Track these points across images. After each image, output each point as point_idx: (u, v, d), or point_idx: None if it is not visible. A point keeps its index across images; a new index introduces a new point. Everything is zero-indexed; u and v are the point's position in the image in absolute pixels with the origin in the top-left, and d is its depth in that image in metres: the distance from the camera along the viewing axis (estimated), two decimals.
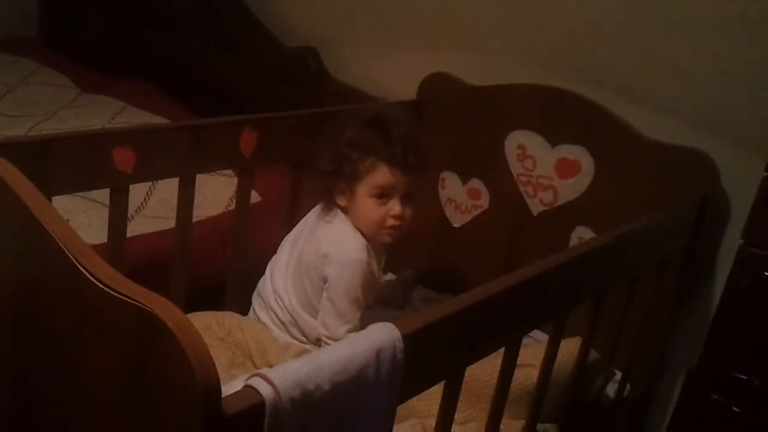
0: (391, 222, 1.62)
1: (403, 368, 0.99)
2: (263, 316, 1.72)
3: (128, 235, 1.83)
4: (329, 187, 1.65)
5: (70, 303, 0.90)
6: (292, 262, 1.70)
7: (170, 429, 0.79)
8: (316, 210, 1.74)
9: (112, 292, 0.80)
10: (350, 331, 1.61)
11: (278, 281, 1.71)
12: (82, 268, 0.84)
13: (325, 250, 1.62)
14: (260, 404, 0.82)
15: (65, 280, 0.88)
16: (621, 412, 1.85)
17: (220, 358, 1.59)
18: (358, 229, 1.64)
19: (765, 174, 1.35)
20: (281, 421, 0.84)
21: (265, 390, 0.83)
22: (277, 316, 1.69)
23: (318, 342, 1.66)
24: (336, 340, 1.61)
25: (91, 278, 0.83)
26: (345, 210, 1.65)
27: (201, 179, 2.07)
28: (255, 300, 1.76)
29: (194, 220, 1.91)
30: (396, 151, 1.58)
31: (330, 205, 1.67)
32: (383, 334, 0.98)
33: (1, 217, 1.01)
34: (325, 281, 1.62)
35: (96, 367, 0.88)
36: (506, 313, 1.22)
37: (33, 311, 0.99)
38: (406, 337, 0.99)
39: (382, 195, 1.61)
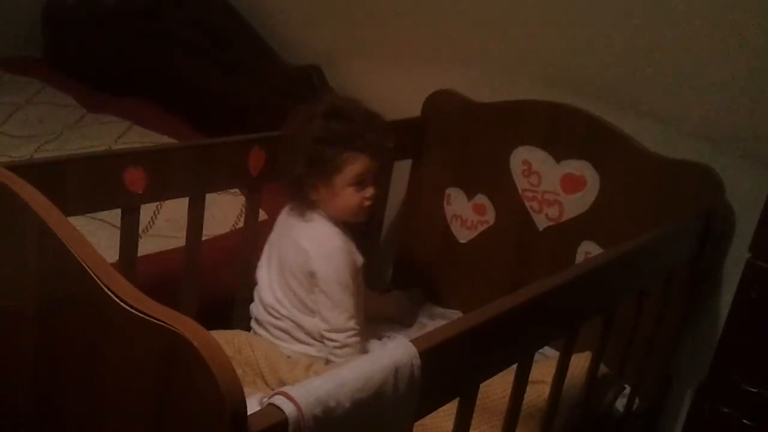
0: (366, 203, 1.70)
1: (420, 385, 1.00)
2: (265, 335, 1.73)
3: (137, 254, 1.84)
4: (301, 188, 1.67)
5: (94, 323, 0.91)
6: (274, 272, 1.73)
7: None
8: (282, 217, 1.77)
9: (138, 313, 0.82)
10: (350, 319, 1.65)
11: (266, 296, 1.74)
12: (106, 289, 0.85)
13: (304, 248, 1.66)
14: (284, 422, 0.83)
15: (89, 300, 0.89)
16: (631, 426, 1.86)
17: None
18: (333, 218, 1.69)
19: None
20: None
21: (288, 408, 0.84)
22: (278, 329, 1.71)
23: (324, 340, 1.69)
24: (338, 331, 1.65)
25: (116, 299, 0.84)
26: (317, 203, 1.69)
27: (208, 198, 2.08)
28: (253, 324, 1.79)
29: (204, 238, 1.92)
30: (370, 139, 1.65)
31: (301, 204, 1.70)
32: (401, 351, 0.99)
33: (23, 237, 1.02)
34: (312, 276, 1.65)
35: (121, 387, 0.89)
36: (519, 329, 1.23)
37: (55, 331, 1.00)
38: (422, 354, 1.01)
39: (360, 181, 1.67)
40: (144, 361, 0.84)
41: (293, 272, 1.67)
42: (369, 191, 1.69)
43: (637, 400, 1.84)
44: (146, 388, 0.85)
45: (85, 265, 0.88)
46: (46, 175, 1.39)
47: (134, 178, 1.54)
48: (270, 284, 1.73)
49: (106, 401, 0.92)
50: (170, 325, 0.79)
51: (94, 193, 1.49)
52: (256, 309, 1.77)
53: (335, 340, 1.64)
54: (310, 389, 0.87)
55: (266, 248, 1.79)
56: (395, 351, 0.98)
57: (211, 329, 1.71)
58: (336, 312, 1.64)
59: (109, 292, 0.85)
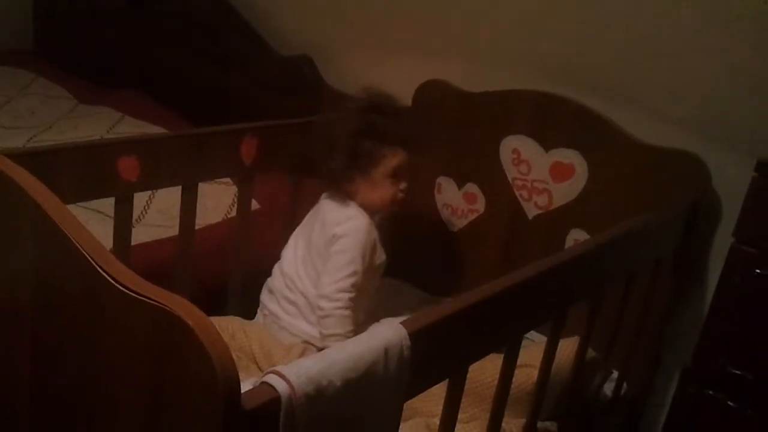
0: (400, 195, 1.75)
1: (409, 365, 1.02)
2: (275, 308, 1.76)
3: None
4: (339, 180, 1.72)
5: (90, 305, 0.92)
6: (301, 246, 1.77)
7: (190, 424, 0.81)
8: (322, 199, 1.80)
9: (134, 294, 0.83)
10: (340, 291, 1.65)
11: (289, 267, 1.77)
12: (102, 272, 0.87)
13: (332, 217, 1.71)
14: (276, 400, 0.85)
15: (85, 283, 0.90)
16: (618, 410, 1.88)
17: None
18: (366, 207, 1.73)
19: (754, 174, 1.38)
20: (296, 416, 0.87)
21: (281, 386, 0.86)
22: (289, 302, 1.74)
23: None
24: (326, 298, 1.65)
25: (112, 281, 0.86)
26: (354, 193, 1.73)
27: (200, 188, 2.10)
28: (264, 296, 1.81)
29: (196, 228, 1.94)
30: (408, 134, 1.72)
31: (338, 192, 1.75)
32: (391, 332, 1.01)
33: (20, 222, 1.03)
34: (331, 240, 1.69)
35: (116, 367, 0.91)
36: (507, 312, 1.25)
37: (52, 314, 1.02)
38: (412, 335, 1.03)
39: (396, 174, 1.72)
40: (140, 342, 0.85)
41: (318, 250, 1.71)
42: (403, 184, 1.75)
43: (625, 385, 1.87)
44: (142, 367, 0.86)
45: (81, 249, 0.90)
46: (40, 163, 1.40)
47: (128, 166, 1.55)
48: (294, 258, 1.77)
49: (103, 383, 0.94)
50: (165, 306, 0.81)
51: (88, 181, 1.50)
52: (272, 280, 1.81)
53: (322, 308, 1.66)
54: (302, 368, 0.89)
55: (297, 230, 1.83)
56: (385, 332, 1.01)
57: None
58: (332, 278, 1.65)
59: (106, 275, 0.86)
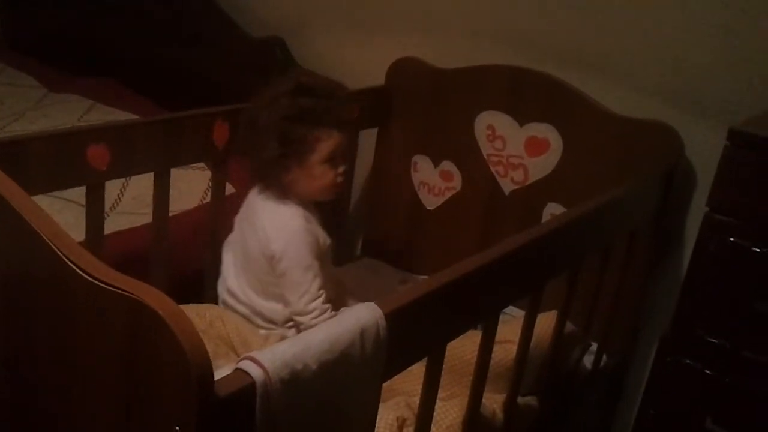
0: (339, 180, 1.67)
1: (386, 346, 1.02)
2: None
3: (105, 232, 1.84)
4: (273, 170, 1.62)
5: (59, 297, 0.91)
6: (239, 254, 1.71)
7: (164, 414, 0.80)
8: (248, 199, 1.72)
9: (102, 285, 0.82)
10: (311, 301, 1.60)
11: (230, 280, 1.72)
12: (69, 263, 0.86)
13: (265, 231, 1.62)
14: (251, 386, 0.84)
15: (52, 274, 0.89)
16: (599, 382, 1.90)
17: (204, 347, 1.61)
18: (303, 198, 1.65)
19: (726, 143, 1.39)
20: (272, 400, 0.86)
21: (255, 372, 0.85)
22: (238, 313, 1.70)
23: (286, 323, 1.67)
24: (302, 314, 1.61)
25: (80, 272, 0.84)
26: (289, 184, 1.63)
27: (174, 174, 2.07)
28: (220, 303, 1.77)
29: (170, 214, 1.92)
30: (340, 114, 1.62)
31: (270, 185, 1.65)
32: (366, 313, 1.00)
33: None
34: (272, 260, 1.61)
35: (88, 358, 0.90)
36: (484, 288, 1.25)
37: (22, 306, 1.00)
38: (388, 316, 1.02)
39: (333, 158, 1.63)
40: (111, 332, 0.84)
41: (255, 256, 1.65)
42: (341, 168, 1.66)
43: (604, 357, 1.88)
44: (113, 357, 0.85)
45: (47, 240, 0.88)
46: (7, 154, 1.39)
47: (97, 154, 1.53)
48: (234, 268, 1.72)
49: (77, 374, 0.93)
50: (135, 295, 0.79)
51: (57, 171, 1.48)
52: (221, 289, 1.76)
53: (302, 323, 1.63)
54: (277, 353, 0.88)
55: (235, 227, 1.76)
56: (361, 313, 1.00)
57: (183, 303, 1.74)
58: (297, 295, 1.60)
59: (72, 265, 0.85)
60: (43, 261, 0.90)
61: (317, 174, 1.62)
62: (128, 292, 0.80)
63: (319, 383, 0.92)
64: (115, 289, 0.81)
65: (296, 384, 0.89)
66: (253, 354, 0.87)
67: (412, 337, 1.12)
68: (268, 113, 1.59)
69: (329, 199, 1.70)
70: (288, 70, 2.37)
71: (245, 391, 0.84)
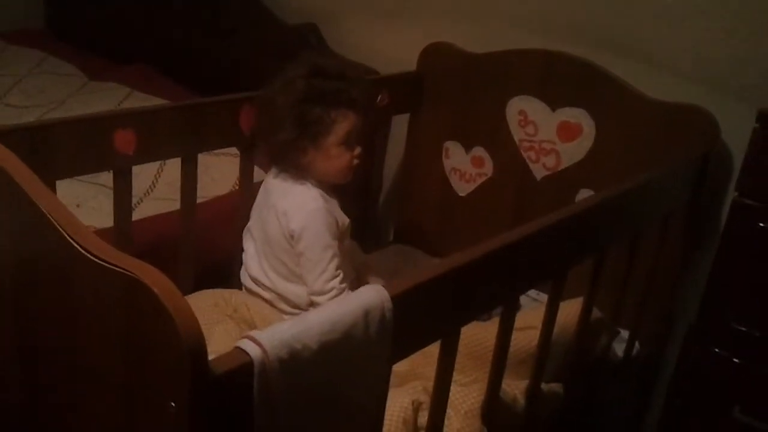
0: (355, 162, 1.67)
1: (392, 328, 1.01)
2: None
3: (138, 217, 1.87)
4: (288, 152, 1.63)
5: (65, 276, 0.93)
6: (260, 240, 1.71)
7: (160, 390, 0.81)
8: (265, 183, 1.74)
9: (101, 262, 0.83)
10: (329, 280, 1.61)
11: (253, 267, 1.73)
12: (73, 242, 0.87)
13: (283, 209, 1.63)
14: (248, 364, 0.85)
15: (59, 254, 0.91)
16: (630, 371, 1.86)
17: (231, 332, 1.63)
18: (320, 180, 1.66)
19: (756, 126, 1.34)
20: (270, 380, 0.86)
21: (253, 350, 0.85)
22: (263, 299, 1.71)
23: (311, 306, 1.67)
24: (320, 293, 1.62)
25: (81, 250, 0.86)
26: (306, 166, 1.64)
27: (207, 160, 2.10)
28: (243, 288, 1.78)
29: (202, 200, 1.94)
30: (355, 95, 1.62)
31: (287, 168, 1.66)
32: (371, 295, 1.00)
33: (1, 201, 1.04)
34: (293, 238, 1.62)
35: (90, 335, 0.92)
36: (500, 272, 1.23)
37: (32, 285, 1.03)
38: (395, 298, 1.01)
39: (349, 140, 1.64)
40: (109, 310, 0.86)
41: (276, 238, 1.65)
42: (357, 150, 1.66)
43: (636, 345, 1.85)
44: (112, 334, 0.87)
45: (54, 222, 0.90)
46: (35, 138, 1.41)
47: (124, 139, 1.55)
48: (255, 253, 1.73)
49: (79, 350, 0.95)
50: (131, 273, 0.80)
51: (84, 155, 1.50)
52: (243, 277, 1.77)
53: (319, 303, 1.62)
54: (276, 332, 0.88)
55: (252, 214, 1.77)
56: (365, 295, 0.99)
57: (212, 288, 1.76)
58: (315, 274, 1.61)
59: (75, 244, 0.86)
60: (51, 241, 0.91)
61: (334, 155, 1.63)
62: (125, 270, 0.81)
63: (319, 364, 0.92)
64: (113, 267, 0.82)
65: (295, 364, 0.89)
66: (253, 333, 0.87)
67: (421, 320, 1.11)
68: (284, 96, 1.60)
69: (345, 181, 1.70)
70: (321, 56, 2.38)
71: (242, 369, 0.84)
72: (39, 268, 0.99)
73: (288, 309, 1.69)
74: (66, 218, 0.91)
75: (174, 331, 0.77)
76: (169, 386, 0.80)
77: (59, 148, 1.46)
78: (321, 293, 1.62)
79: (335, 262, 1.62)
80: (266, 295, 1.71)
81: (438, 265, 1.12)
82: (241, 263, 1.79)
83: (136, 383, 0.86)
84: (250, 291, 1.75)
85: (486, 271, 1.19)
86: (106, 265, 0.83)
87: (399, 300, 1.02)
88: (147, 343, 0.82)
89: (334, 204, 1.68)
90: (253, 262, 1.73)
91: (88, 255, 0.85)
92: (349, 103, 1.62)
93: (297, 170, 1.65)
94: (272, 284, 1.69)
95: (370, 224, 2.31)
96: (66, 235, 0.88)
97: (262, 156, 1.82)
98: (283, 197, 1.65)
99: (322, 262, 1.61)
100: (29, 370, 1.09)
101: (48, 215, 0.92)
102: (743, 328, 1.41)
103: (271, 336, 0.87)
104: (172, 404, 0.80)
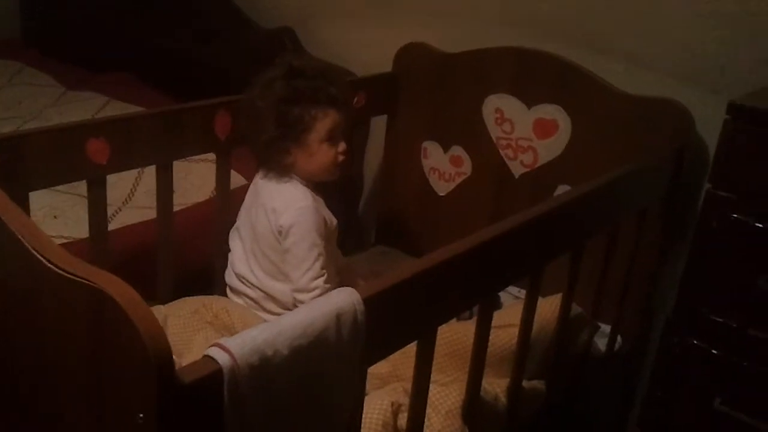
0: (341, 158, 1.68)
1: (365, 330, 1.01)
2: (238, 301, 1.74)
3: (116, 226, 1.86)
4: (272, 153, 1.65)
5: (32, 290, 0.92)
6: (248, 240, 1.72)
7: (128, 402, 0.81)
8: (253, 184, 1.75)
9: (66, 274, 0.83)
10: (314, 279, 1.62)
11: (239, 265, 1.73)
12: (37, 254, 0.86)
13: (273, 206, 1.64)
14: (218, 372, 0.84)
15: (26, 268, 0.90)
16: (613, 365, 1.87)
17: (211, 339, 1.61)
18: (307, 179, 1.67)
19: (726, 117, 1.35)
20: (241, 387, 0.86)
21: (223, 358, 0.85)
22: (249, 298, 1.71)
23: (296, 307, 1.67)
24: (304, 291, 1.63)
25: (46, 263, 0.85)
26: (291, 166, 1.66)
27: (185, 167, 2.09)
28: (228, 293, 1.79)
29: (181, 207, 1.94)
30: (334, 92, 1.64)
31: (272, 169, 1.68)
32: (342, 298, 1.00)
33: None
34: (280, 234, 1.63)
35: (58, 349, 0.91)
36: (474, 270, 1.23)
37: (1, 303, 1.02)
38: (367, 300, 1.01)
39: (332, 137, 1.65)
40: (76, 322, 0.85)
41: (265, 235, 1.66)
42: (342, 146, 1.68)
43: (618, 339, 1.85)
44: (80, 347, 0.86)
45: (18, 236, 0.89)
46: (6, 149, 1.41)
47: (97, 149, 1.54)
48: (243, 252, 1.73)
49: (48, 362, 0.94)
50: (96, 284, 0.80)
51: (57, 166, 1.49)
52: (228, 277, 1.77)
53: (302, 301, 1.63)
54: (246, 339, 0.88)
55: (240, 215, 1.78)
56: (337, 298, 0.99)
57: (191, 295, 1.76)
58: (300, 271, 1.62)
59: (40, 257, 0.86)
60: (17, 256, 0.91)
61: (317, 153, 1.65)
62: (90, 281, 0.81)
63: (291, 368, 0.92)
64: (77, 279, 0.82)
65: (266, 369, 0.88)
66: (221, 340, 0.87)
67: (397, 321, 1.11)
68: (264, 99, 1.62)
69: (332, 178, 1.71)
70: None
71: (211, 377, 0.84)
72: (8, 284, 0.98)
73: (275, 309, 1.70)
74: (30, 231, 0.91)
75: (139, 342, 0.76)
76: (137, 397, 0.79)
77: (32, 159, 1.45)
78: (305, 290, 1.63)
79: (321, 261, 1.63)
80: (252, 293, 1.71)
81: (410, 266, 1.12)
82: (224, 268, 1.79)
83: (104, 396, 0.85)
84: (235, 290, 1.75)
85: (460, 270, 1.19)
86: (71, 277, 0.83)
87: (371, 302, 1.02)
88: (113, 355, 0.81)
89: (322, 203, 1.70)
90: (240, 262, 1.73)
91: (53, 267, 0.85)
92: (328, 100, 1.64)
93: (283, 170, 1.67)
94: (259, 282, 1.69)
95: (352, 227, 2.31)
96: (30, 248, 0.88)
97: (240, 160, 1.81)
98: (273, 196, 1.66)
99: (307, 260, 1.62)
100: (5, 385, 1.08)
101: (12, 229, 0.91)
102: (721, 320, 1.42)
103: (241, 342, 0.87)
104: (140, 416, 0.79)
